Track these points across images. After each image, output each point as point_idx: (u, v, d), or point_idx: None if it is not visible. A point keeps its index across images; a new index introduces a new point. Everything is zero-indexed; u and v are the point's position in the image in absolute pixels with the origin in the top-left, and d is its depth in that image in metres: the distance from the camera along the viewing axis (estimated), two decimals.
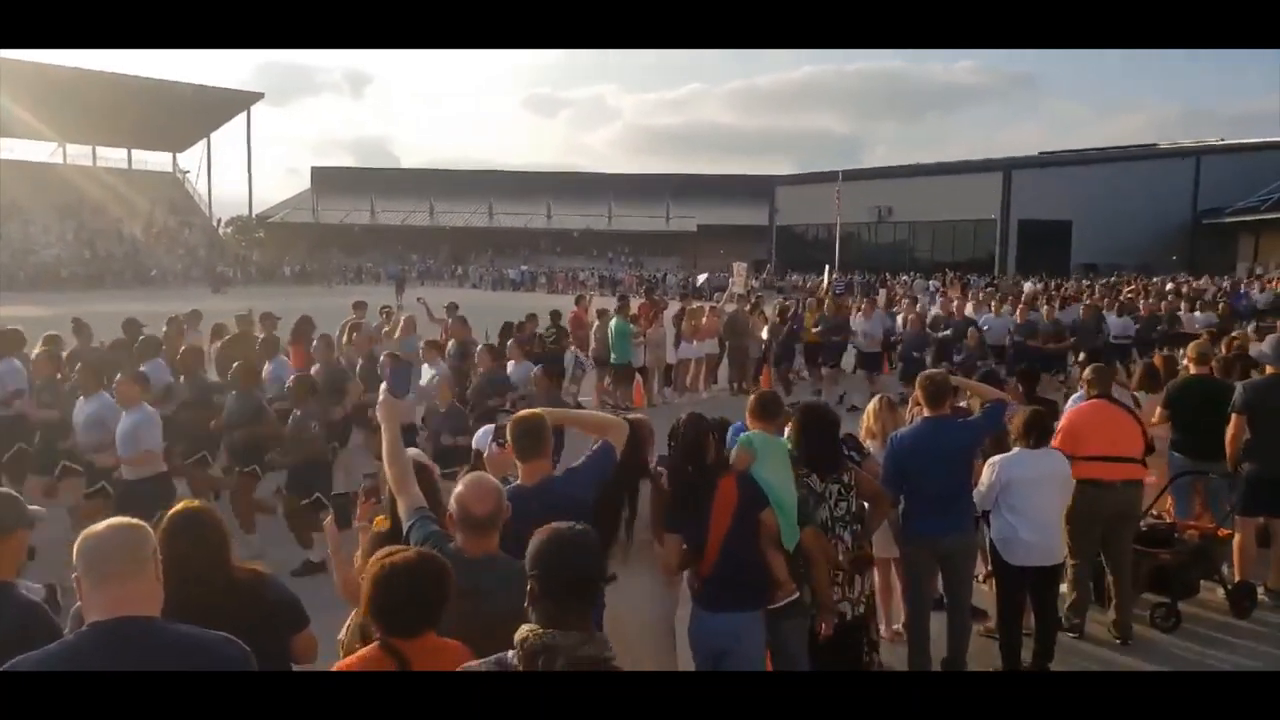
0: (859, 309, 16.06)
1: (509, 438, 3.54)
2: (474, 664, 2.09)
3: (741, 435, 4.33)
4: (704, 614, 3.96)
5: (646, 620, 3.91)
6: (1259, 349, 6.81)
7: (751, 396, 4.68)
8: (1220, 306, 18.83)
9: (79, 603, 2.21)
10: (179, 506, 2.94)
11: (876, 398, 5.80)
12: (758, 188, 66.52)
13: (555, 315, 13.73)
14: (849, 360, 14.81)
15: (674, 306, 17.65)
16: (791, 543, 4.14)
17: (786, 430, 4.47)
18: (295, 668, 2.98)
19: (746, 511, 3.90)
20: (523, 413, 3.63)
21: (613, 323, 13.77)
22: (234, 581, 2.86)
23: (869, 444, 5.41)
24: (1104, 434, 5.58)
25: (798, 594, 4.11)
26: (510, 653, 2.00)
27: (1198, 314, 17.03)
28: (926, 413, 5.02)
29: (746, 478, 4.01)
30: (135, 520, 2.29)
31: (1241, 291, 25.69)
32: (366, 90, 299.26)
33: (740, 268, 18.89)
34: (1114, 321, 15.25)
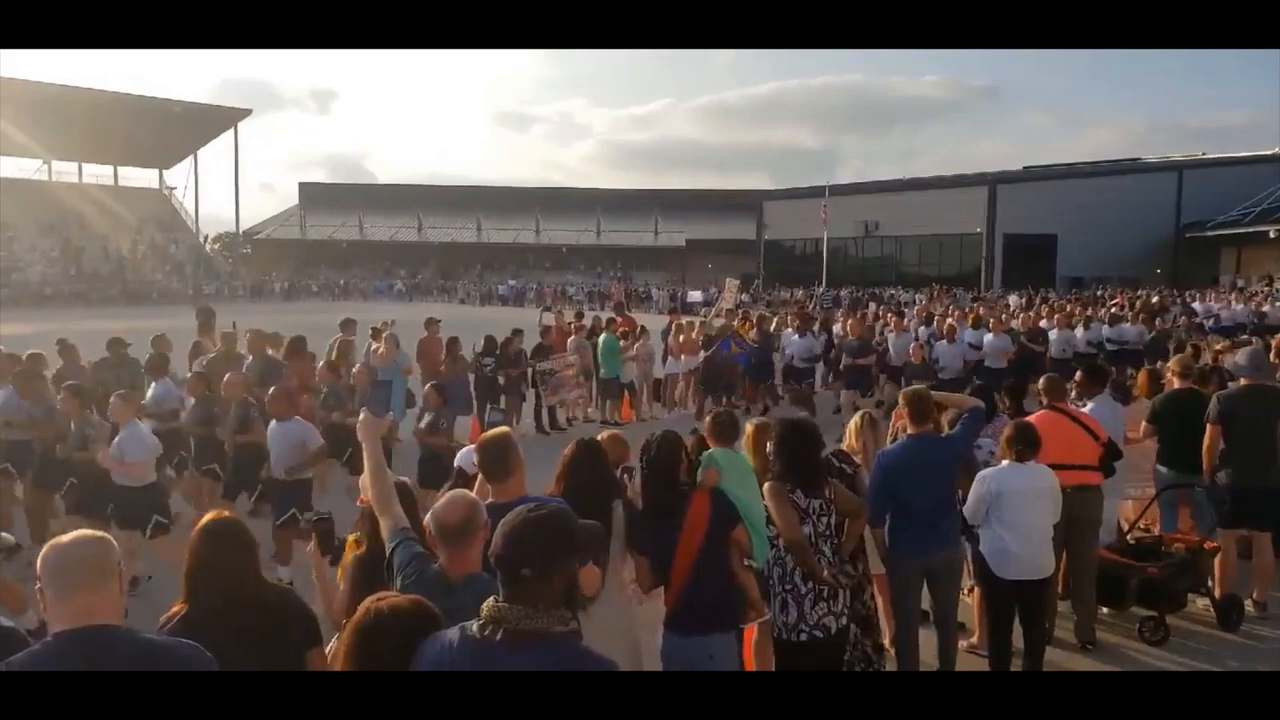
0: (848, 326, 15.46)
1: (477, 461, 3.56)
2: (441, 634, 2.18)
3: (705, 454, 4.28)
4: (676, 639, 3.85)
5: (613, 637, 3.87)
6: (1233, 360, 6.84)
7: (708, 417, 4.67)
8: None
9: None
10: (213, 514, 2.98)
11: (858, 414, 5.78)
12: (745, 203, 66.77)
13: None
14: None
15: (661, 321, 17.59)
16: (763, 559, 4.08)
17: (766, 446, 4.43)
18: None
19: (719, 529, 3.85)
20: (487, 434, 3.65)
21: (601, 338, 13.79)
22: (263, 593, 2.92)
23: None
24: (1055, 442, 5.60)
25: (769, 615, 4.06)
26: (474, 622, 2.13)
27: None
28: (911, 430, 5.02)
29: (719, 494, 3.96)
30: (100, 532, 2.28)
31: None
32: (333, 106, 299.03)
33: (732, 284, 18.86)
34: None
